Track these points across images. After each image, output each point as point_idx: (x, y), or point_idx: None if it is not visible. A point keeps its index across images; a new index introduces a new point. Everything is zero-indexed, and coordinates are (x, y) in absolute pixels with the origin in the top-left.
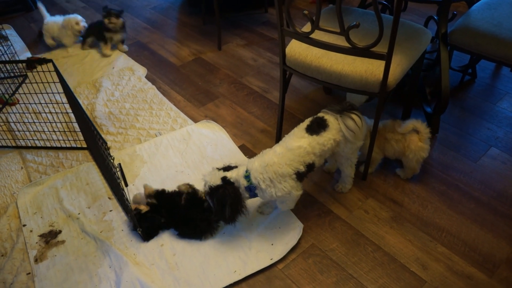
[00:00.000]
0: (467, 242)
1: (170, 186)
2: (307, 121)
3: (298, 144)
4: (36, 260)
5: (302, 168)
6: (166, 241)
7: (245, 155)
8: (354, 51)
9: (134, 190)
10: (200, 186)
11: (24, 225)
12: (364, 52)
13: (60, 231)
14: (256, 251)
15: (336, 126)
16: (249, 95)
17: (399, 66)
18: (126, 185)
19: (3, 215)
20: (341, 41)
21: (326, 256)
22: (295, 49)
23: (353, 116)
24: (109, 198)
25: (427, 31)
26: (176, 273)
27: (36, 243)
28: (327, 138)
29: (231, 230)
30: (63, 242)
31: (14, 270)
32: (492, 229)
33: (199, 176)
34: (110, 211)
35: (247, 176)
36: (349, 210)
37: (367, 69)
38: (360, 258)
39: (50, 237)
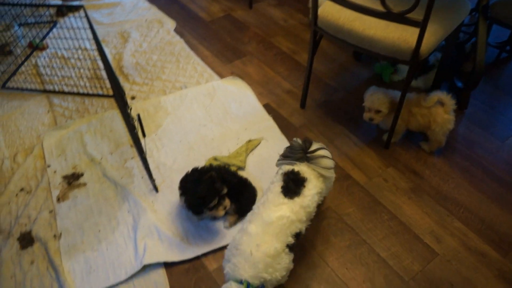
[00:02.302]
0: (484, 220)
1: (193, 139)
2: (278, 181)
3: (277, 214)
4: (58, 200)
5: (291, 240)
6: None
7: (269, 113)
8: (388, 16)
9: (156, 140)
10: (222, 142)
11: (49, 166)
12: (399, 18)
13: (82, 174)
14: None
15: (314, 174)
16: (277, 55)
17: (433, 36)
18: (144, 135)
19: (29, 155)
20: (375, 5)
21: (341, 220)
22: (328, 10)
23: (321, 152)
24: (131, 146)
25: (467, 2)
26: (190, 223)
27: (59, 183)
28: (310, 195)
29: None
30: (84, 184)
31: (38, 207)
32: (509, 208)
33: (222, 130)
34: (132, 158)
35: (248, 286)
36: (368, 177)
37: (400, 35)
38: (375, 225)
39: (73, 179)
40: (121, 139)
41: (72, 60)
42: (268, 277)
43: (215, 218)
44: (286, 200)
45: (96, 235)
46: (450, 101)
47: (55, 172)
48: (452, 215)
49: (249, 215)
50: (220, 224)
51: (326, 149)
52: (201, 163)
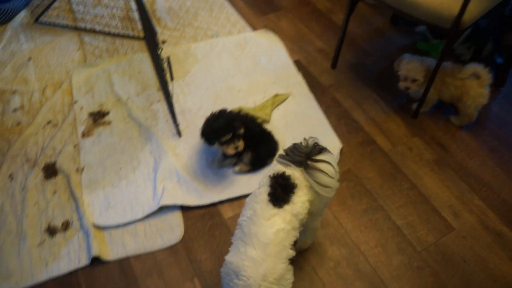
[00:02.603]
0: (506, 201)
1: (220, 88)
2: (265, 185)
3: (273, 229)
4: (83, 135)
5: (292, 252)
6: None
7: (298, 70)
8: None
9: (183, 86)
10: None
11: (76, 102)
12: None
13: (108, 113)
14: None
15: (306, 185)
16: (313, 13)
17: (478, 6)
18: (172, 78)
19: (58, 89)
20: None
21: (361, 184)
22: None
23: (322, 166)
24: (158, 90)
25: None
26: (210, 170)
27: (85, 120)
28: (300, 203)
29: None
30: (109, 123)
31: (63, 140)
32: None
33: (250, 83)
34: (158, 101)
35: None
36: (392, 144)
37: (444, 1)
38: (394, 193)
39: (98, 117)
40: (149, 81)
41: (106, 0)
42: None
43: (226, 158)
44: (276, 210)
45: (117, 173)
46: (486, 75)
47: (81, 108)
48: (474, 192)
49: (239, 232)
50: (238, 175)
51: (332, 164)
52: None
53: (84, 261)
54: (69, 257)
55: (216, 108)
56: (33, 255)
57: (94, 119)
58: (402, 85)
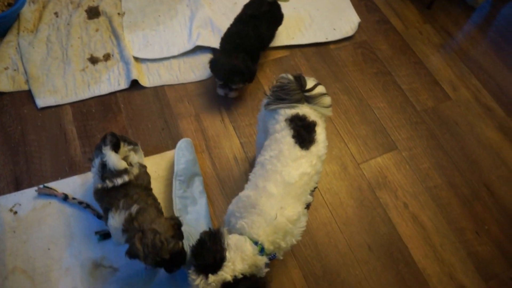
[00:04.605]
0: (500, 84)
1: None
2: (284, 129)
3: (299, 171)
4: None
5: (310, 198)
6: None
7: None
8: None
9: None
10: None
11: None
12: None
13: None
14: (315, 29)
15: (318, 116)
16: None
17: None
18: None
19: None
20: None
21: (373, 52)
22: None
23: (319, 89)
24: None
25: None
26: None
27: None
28: (323, 141)
29: (296, 3)
30: None
31: None
32: None
33: None
34: None
35: (261, 250)
36: (405, 27)
37: None
38: (402, 63)
39: None
40: None
41: None
42: (284, 245)
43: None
44: (303, 152)
45: (155, 19)
46: None
47: None
48: (473, 73)
49: (260, 169)
50: None
51: (321, 84)
52: None
53: (123, 84)
54: (109, 81)
55: None
56: (77, 78)
57: None
58: None
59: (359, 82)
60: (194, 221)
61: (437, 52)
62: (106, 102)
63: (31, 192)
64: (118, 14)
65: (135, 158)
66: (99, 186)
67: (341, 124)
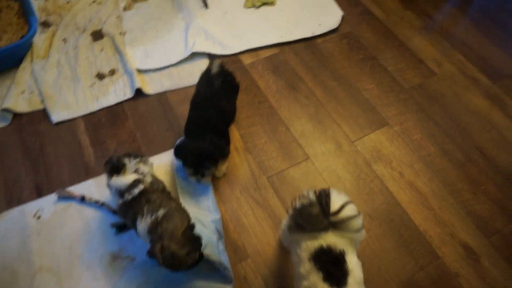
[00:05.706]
0: (483, 57)
1: None
2: (312, 271)
3: None
4: (124, 9)
5: None
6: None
7: None
8: None
9: None
10: None
11: None
12: None
13: None
14: (302, 26)
15: (347, 242)
16: None
17: None
18: None
19: None
20: None
21: (358, 41)
22: None
23: (347, 211)
24: None
25: None
26: (235, 31)
27: None
28: (357, 266)
29: (282, 5)
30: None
31: (107, 13)
32: (509, 51)
33: None
34: None
35: None
36: (387, 15)
37: None
38: (386, 47)
39: None
40: None
41: None
42: None
43: None
44: None
45: (154, 34)
46: None
47: None
48: (455, 49)
49: None
50: (258, 30)
51: (350, 202)
52: None
53: (128, 94)
54: (116, 92)
55: None
56: (86, 93)
57: None
58: None
59: (347, 69)
60: (199, 204)
61: (419, 34)
62: (114, 111)
63: (52, 197)
64: (120, 33)
65: (145, 168)
66: (120, 202)
67: (332, 108)
